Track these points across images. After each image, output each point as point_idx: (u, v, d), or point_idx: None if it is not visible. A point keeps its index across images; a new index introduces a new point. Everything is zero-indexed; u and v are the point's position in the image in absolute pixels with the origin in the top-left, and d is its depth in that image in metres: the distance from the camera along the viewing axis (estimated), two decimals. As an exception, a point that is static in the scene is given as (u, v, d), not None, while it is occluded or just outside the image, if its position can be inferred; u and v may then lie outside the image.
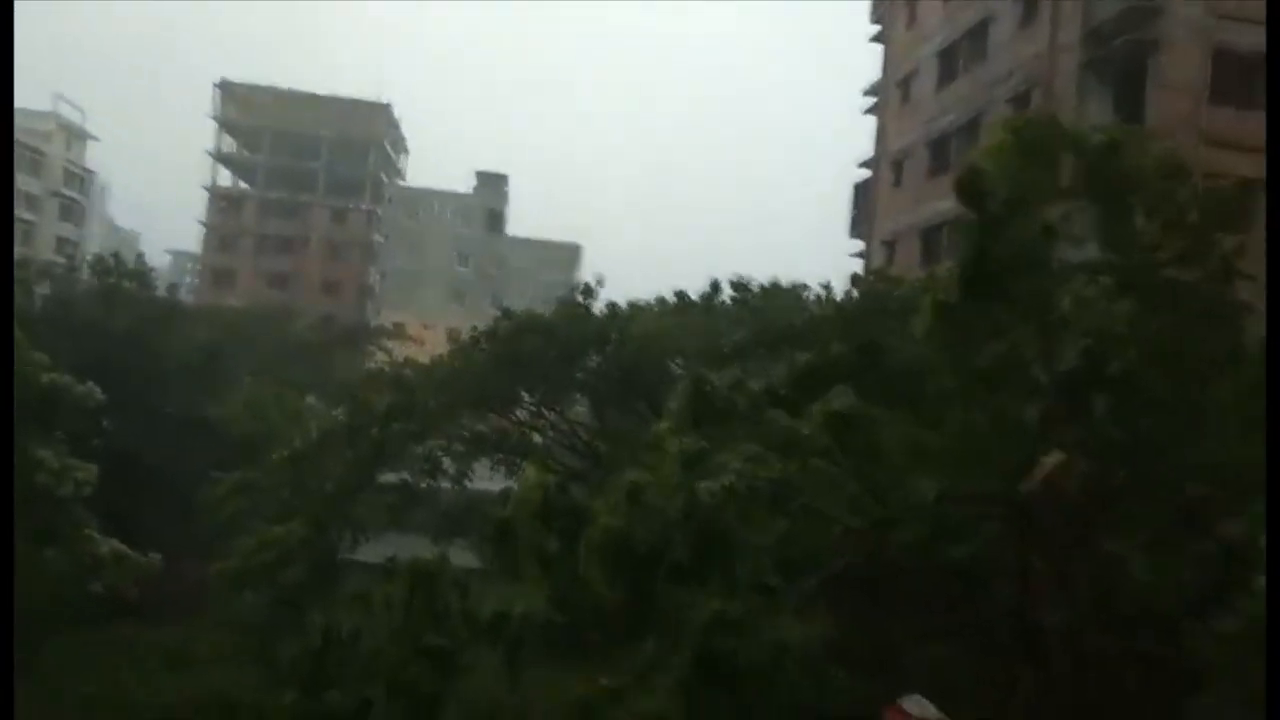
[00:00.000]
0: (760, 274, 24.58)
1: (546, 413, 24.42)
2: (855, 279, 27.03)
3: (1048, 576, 9.27)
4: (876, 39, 40.03)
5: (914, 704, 6.28)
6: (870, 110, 40.12)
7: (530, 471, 10.71)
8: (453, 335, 52.19)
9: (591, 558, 8.22)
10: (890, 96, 38.53)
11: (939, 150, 34.35)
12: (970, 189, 8.29)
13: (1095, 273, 9.70)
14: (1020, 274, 8.24)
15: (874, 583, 9.51)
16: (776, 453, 8.36)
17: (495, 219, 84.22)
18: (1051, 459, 8.32)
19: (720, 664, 7.66)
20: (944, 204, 31.44)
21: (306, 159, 77.67)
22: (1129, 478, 9.50)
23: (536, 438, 23.87)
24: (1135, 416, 9.14)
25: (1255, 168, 22.88)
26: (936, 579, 9.46)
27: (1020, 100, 29.69)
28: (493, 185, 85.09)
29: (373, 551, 18.60)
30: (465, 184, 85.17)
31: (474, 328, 25.83)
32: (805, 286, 24.60)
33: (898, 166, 37.20)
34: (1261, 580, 7.38)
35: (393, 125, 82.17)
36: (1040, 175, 7.76)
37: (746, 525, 7.89)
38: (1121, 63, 27.54)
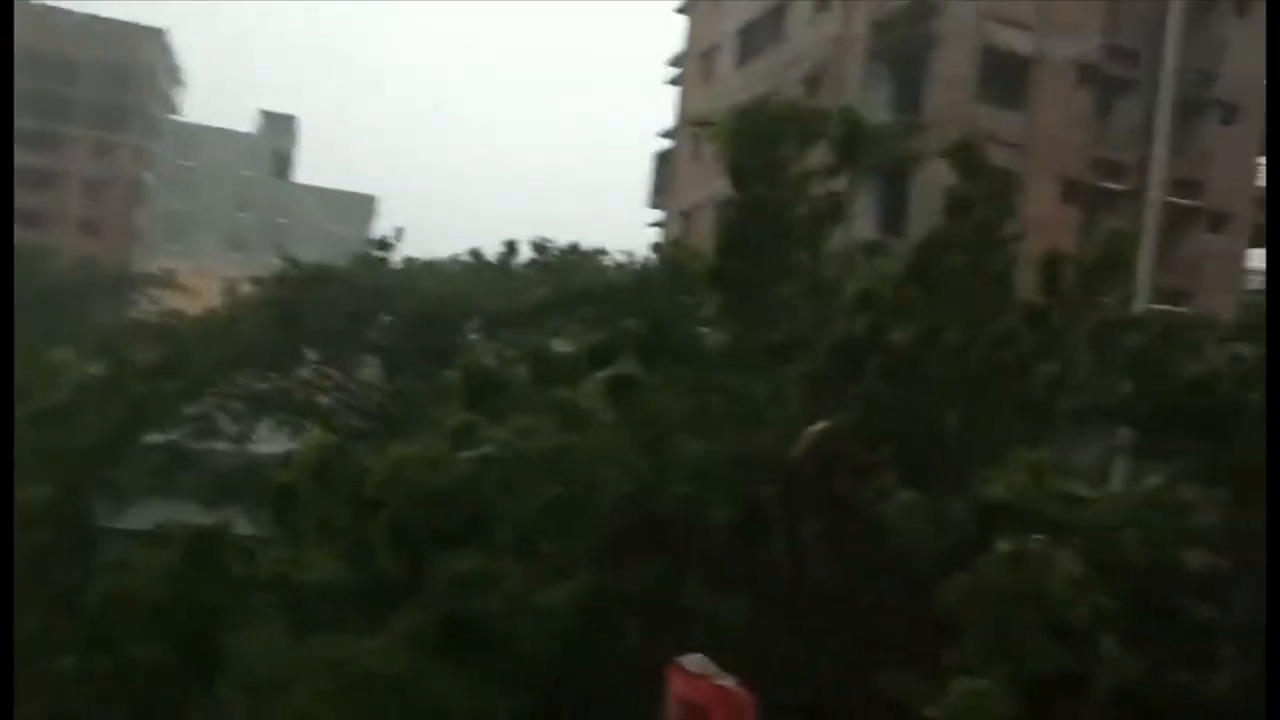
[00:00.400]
0: (561, 238, 24.63)
1: (333, 372, 23.50)
2: (656, 247, 27.56)
3: (816, 535, 9.86)
4: (681, 10, 40.59)
5: (693, 662, 6.48)
6: (674, 80, 40.69)
7: (314, 433, 10.34)
8: (230, 286, 49.16)
9: (371, 526, 8.15)
10: (692, 69, 39.26)
11: (736, 125, 35.41)
12: (731, 165, 8.67)
13: (870, 251, 10.33)
14: (793, 247, 8.68)
15: (653, 543, 9.81)
16: (558, 423, 8.50)
17: (282, 162, 79.63)
18: (817, 426, 8.83)
19: (467, 623, 7.81)
20: (738, 177, 32.52)
21: (64, 85, 70.26)
22: (892, 443, 10.21)
23: (323, 399, 22.94)
24: (900, 386, 9.81)
25: (1015, 162, 25.05)
26: (714, 538, 9.88)
27: (812, 83, 31.04)
28: (280, 126, 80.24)
29: (138, 518, 17.32)
30: (250, 124, 79.99)
31: (257, 277, 24.36)
32: (604, 252, 24.82)
33: (697, 139, 38.03)
34: (1003, 543, 8.08)
35: (167, 53, 75.64)
36: (788, 153, 8.23)
37: (510, 493, 8.05)
38: (903, 54, 29.34)
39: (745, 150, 8.28)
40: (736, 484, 9.24)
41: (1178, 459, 11.24)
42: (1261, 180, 32.60)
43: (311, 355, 23.13)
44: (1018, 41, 28.83)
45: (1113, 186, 29.11)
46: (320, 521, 9.32)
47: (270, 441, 21.82)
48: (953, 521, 10.60)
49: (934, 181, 26.86)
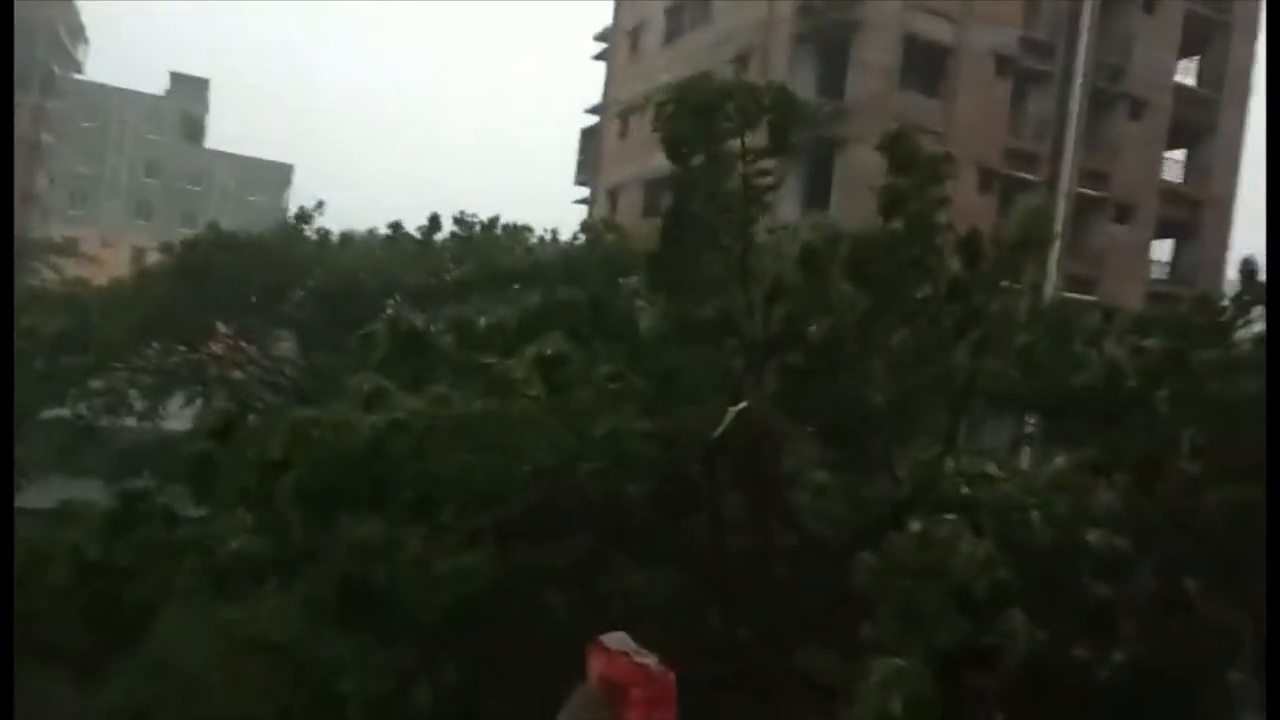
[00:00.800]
0: (485, 213, 24.21)
1: (247, 346, 22.85)
2: (585, 226, 27.39)
3: (738, 513, 10.00)
4: (608, -15, 40.24)
5: (614, 639, 6.49)
6: (600, 56, 40.41)
7: (217, 402, 10.06)
8: (137, 255, 47.35)
9: (281, 493, 7.93)
10: (619, 46, 39.03)
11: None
12: (671, 143, 8.65)
13: (801, 235, 10.42)
14: (725, 229, 8.72)
15: (587, 515, 9.82)
16: (476, 392, 8.39)
17: (193, 127, 76.65)
18: (740, 405, 8.93)
19: (362, 589, 7.71)
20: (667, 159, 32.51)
21: (-43, 38, 66.60)
22: (815, 422, 10.40)
23: (236, 373, 22.29)
24: (823, 369, 9.98)
25: (935, 149, 25.47)
26: (638, 514, 9.94)
27: (739, 64, 31.12)
28: (191, 89, 77.18)
29: (38, 496, 16.66)
30: (160, 86, 76.82)
31: (166, 246, 23.43)
32: (529, 229, 24.54)
33: (624, 117, 37.87)
34: (915, 523, 8.28)
35: (70, 8, 72.15)
36: (724, 134, 8.25)
37: (419, 459, 7.91)
38: (828, 39, 29.64)
39: (687, 124, 8.24)
40: (662, 461, 9.30)
41: (1082, 444, 11.70)
42: (1166, 174, 33.90)
43: (224, 328, 22.45)
44: (939, 31, 29.37)
45: (1026, 176, 29.94)
46: (235, 488, 9.11)
47: (181, 418, 21.16)
48: (870, 500, 10.87)
49: (856, 163, 27.32)
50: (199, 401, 21.30)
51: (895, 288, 9.35)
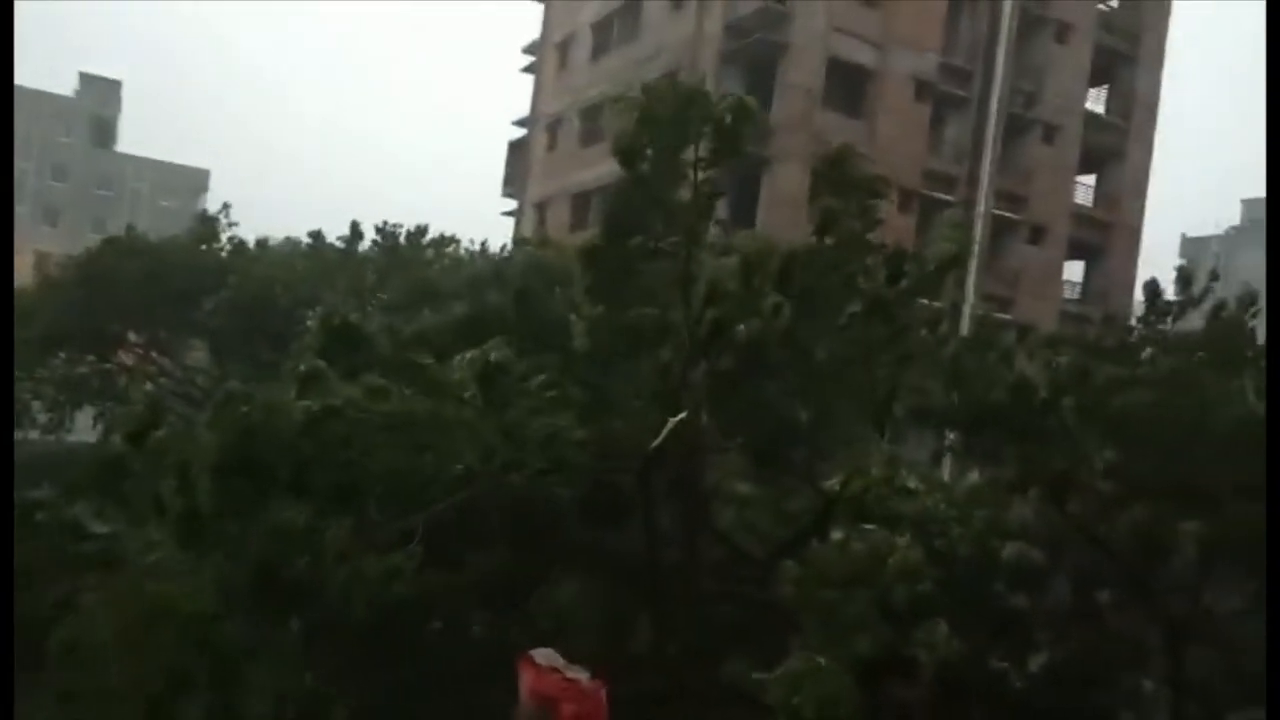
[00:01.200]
0: (408, 223, 23.86)
1: (158, 356, 22.12)
2: (516, 240, 27.23)
3: (669, 523, 10.01)
4: (538, -2, 40.24)
5: (544, 655, 6.41)
6: (528, 69, 40.34)
7: (133, 405, 9.67)
8: (43, 261, 45.48)
9: (201, 479, 7.61)
10: (547, 59, 39.02)
11: (591, 119, 35.39)
12: (624, 146, 8.61)
13: (726, 250, 10.52)
14: (665, 232, 8.72)
15: (516, 528, 9.72)
16: (411, 390, 8.24)
17: (104, 130, 74.16)
18: (680, 416, 8.93)
19: (277, 575, 7.47)
20: (595, 172, 32.52)
21: None
22: (740, 435, 10.47)
23: (146, 384, 21.54)
24: (755, 379, 10.06)
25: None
26: (577, 524, 9.89)
27: (668, 81, 31.39)
28: (102, 91, 74.69)
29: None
30: (69, 87, 74.20)
31: (73, 253, 22.56)
32: (456, 240, 24.29)
33: (552, 130, 37.85)
34: (837, 531, 8.38)
35: (-27, 6, 69.37)
36: (682, 141, 8.26)
37: (348, 448, 7.71)
38: (755, 59, 30.10)
39: (645, 129, 8.19)
40: (596, 470, 9.25)
41: (999, 459, 12.01)
42: (1077, 198, 35.18)
43: (134, 337, 21.71)
44: (861, 54, 30.06)
45: (944, 197, 30.76)
46: (150, 497, 8.74)
47: (90, 432, 20.38)
48: (794, 512, 10.99)
49: (781, 180, 27.73)
50: (108, 414, 20.54)
51: (822, 302, 9.49)
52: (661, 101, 8.23)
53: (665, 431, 8.36)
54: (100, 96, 74.45)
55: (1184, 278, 13.22)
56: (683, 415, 8.48)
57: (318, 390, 7.61)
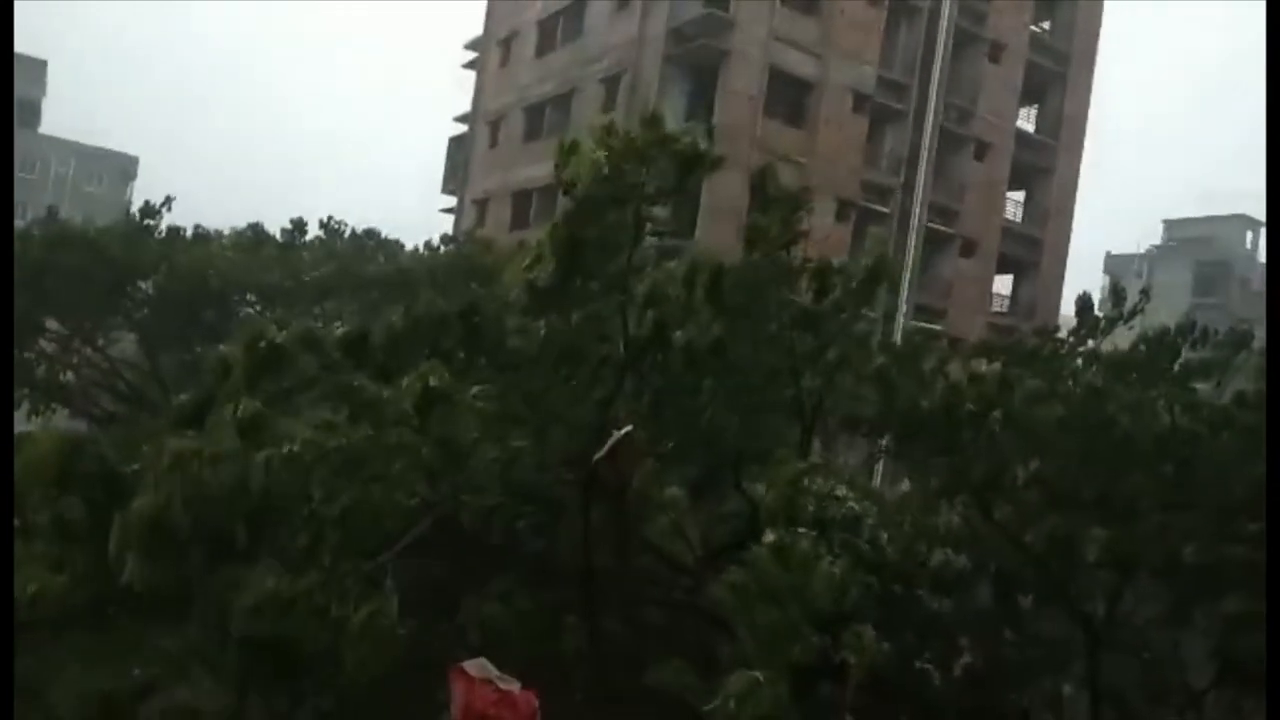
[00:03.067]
0: (351, 219, 23.49)
1: (82, 347, 21.41)
2: (447, 238, 26.92)
3: (605, 533, 10.02)
4: (481, -6, 39.90)
5: (475, 666, 6.45)
6: (470, 65, 40.02)
7: (42, 436, 9.05)
8: (-41, 243, 43.72)
9: (127, 539, 7.20)
10: (490, 56, 38.76)
11: (534, 117, 35.29)
12: (569, 182, 8.53)
13: (667, 260, 10.59)
14: (609, 257, 8.70)
15: (448, 536, 9.61)
16: (351, 417, 8.00)
17: (29, 111, 71.71)
18: (624, 429, 8.95)
19: (271, 647, 7.15)
20: (536, 170, 32.40)
21: None
22: (674, 441, 10.54)
23: (68, 375, 20.84)
24: (688, 389, 10.13)
25: (797, 178, 26.40)
26: (509, 538, 9.82)
27: (611, 82, 31.43)
28: (26, 71, 72.10)
29: None
30: (-11, 65, 71.37)
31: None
32: (400, 243, 23.98)
33: (494, 127, 37.61)
34: (769, 535, 8.47)
35: (-112, -24, 66.48)
36: (633, 174, 8.22)
37: (309, 496, 7.39)
38: (697, 64, 30.29)
39: (598, 179, 8.06)
40: (536, 484, 9.18)
41: (928, 466, 12.26)
42: (1008, 213, 36.10)
43: (57, 327, 20.99)
44: (802, 65, 30.45)
45: (880, 208, 31.32)
46: (58, 524, 8.24)
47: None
48: (723, 518, 11.09)
49: (720, 188, 27.93)
50: (25, 405, 19.82)
51: (749, 315, 9.59)
52: (618, 153, 8.11)
53: (611, 443, 8.35)
54: (24, 76, 71.79)
55: (1117, 294, 13.63)
56: (628, 429, 8.47)
57: (265, 436, 7.25)
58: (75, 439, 8.97)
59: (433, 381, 7.76)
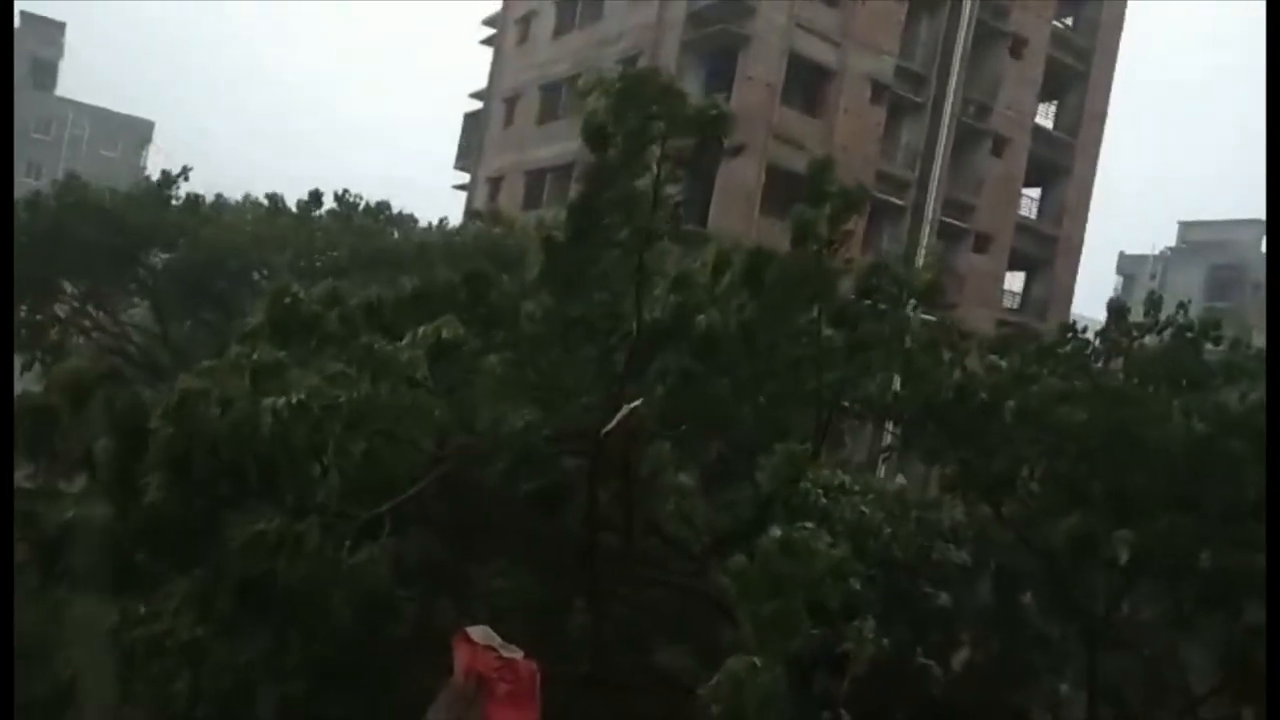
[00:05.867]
0: (366, 192, 23.54)
1: (94, 311, 21.51)
2: (470, 214, 26.89)
3: (611, 510, 10.07)
4: (501, -30, 39.68)
5: (479, 633, 6.49)
6: (488, 41, 39.86)
7: (73, 358, 9.24)
8: (-26, 203, 43.85)
9: (152, 473, 7.36)
10: (508, 33, 38.60)
11: (550, 97, 35.16)
12: (593, 130, 8.52)
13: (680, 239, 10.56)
14: (625, 220, 8.68)
15: (454, 508, 9.66)
16: (367, 374, 8.08)
17: (45, 72, 71.69)
18: (630, 406, 8.97)
19: (260, 588, 7.28)
20: (551, 149, 32.37)
21: None
22: (690, 426, 10.56)
23: (80, 338, 20.95)
24: (705, 372, 10.14)
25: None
26: (515, 507, 9.87)
27: (628, 64, 31.27)
28: (44, 32, 72.07)
29: None
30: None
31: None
32: (414, 218, 23.99)
33: (509, 105, 37.49)
34: (776, 529, 8.51)
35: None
36: (650, 118, 8.19)
37: (319, 446, 7.50)
38: (716, 49, 30.14)
39: (616, 114, 8.05)
40: (549, 457, 9.22)
41: (939, 457, 12.28)
42: (1023, 210, 35.94)
43: (70, 289, 21.09)
44: (822, 52, 30.29)
45: (895, 201, 31.20)
46: (84, 455, 8.43)
47: (17, 381, 19.77)
48: (732, 505, 11.13)
49: (736, 174, 27.82)
50: (36, 367, 19.93)
51: (786, 304, 9.56)
52: (636, 90, 8.13)
53: (618, 418, 8.36)
54: (42, 37, 71.83)
55: (1154, 302, 13.49)
56: (639, 402, 8.48)
57: (278, 384, 7.32)
58: (111, 366, 9.10)
59: (445, 334, 7.79)
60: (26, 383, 19.52)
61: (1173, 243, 69.46)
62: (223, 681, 7.35)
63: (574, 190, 8.54)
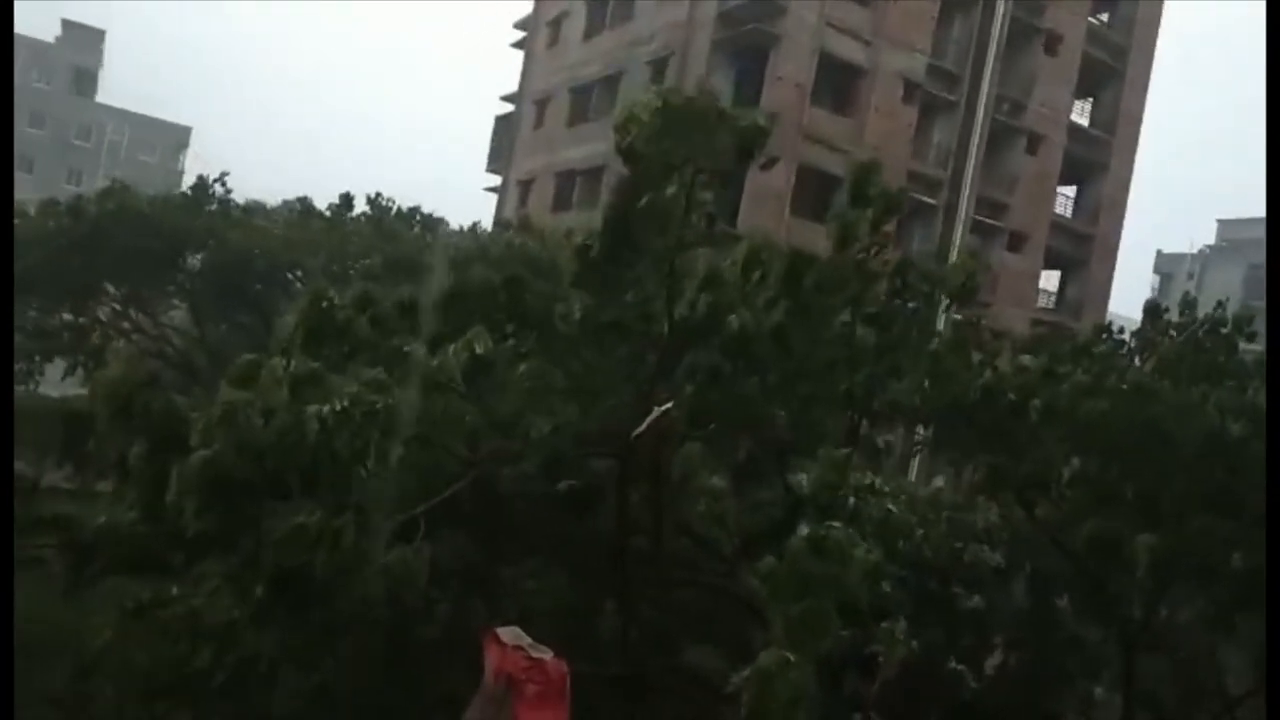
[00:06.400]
0: (396, 196, 23.77)
1: (134, 314, 21.89)
2: (500, 221, 27.05)
3: (641, 511, 10.11)
4: (531, -27, 39.87)
5: (509, 633, 6.54)
6: (519, 44, 40.07)
7: (114, 364, 9.41)
8: (18, 208, 44.76)
9: (185, 486, 7.51)
10: (539, 35, 38.77)
11: (580, 99, 35.27)
12: (628, 146, 8.55)
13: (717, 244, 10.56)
14: (659, 232, 8.70)
15: (485, 511, 9.75)
16: (402, 380, 8.19)
17: (85, 80, 72.94)
18: (662, 408, 8.99)
19: (294, 577, 7.42)
20: (581, 151, 32.48)
21: None
22: (720, 425, 10.56)
23: (120, 341, 21.32)
24: (737, 374, 10.14)
25: (841, 166, 26.17)
26: (545, 509, 9.93)
27: (659, 64, 31.34)
28: (84, 40, 73.34)
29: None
30: (50, 34, 72.72)
31: (49, 201, 21.98)
32: (444, 222, 24.19)
33: (540, 107, 37.65)
34: (805, 528, 8.49)
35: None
36: (691, 147, 8.19)
37: (359, 452, 7.62)
38: (746, 48, 30.09)
39: (655, 139, 8.07)
40: (575, 458, 9.29)
41: (970, 457, 12.19)
42: (1058, 208, 35.54)
43: (112, 291, 21.48)
44: (853, 51, 30.13)
45: (928, 200, 30.96)
46: (118, 459, 8.62)
47: (59, 385, 20.17)
48: (763, 506, 11.11)
49: (766, 175, 27.76)
50: (79, 370, 20.34)
51: (821, 306, 9.57)
52: (674, 122, 8.10)
53: (650, 420, 8.39)
54: (82, 45, 73.13)
55: (1189, 303, 13.40)
56: (669, 404, 8.51)
57: (319, 392, 7.46)
58: (151, 372, 9.29)
59: (478, 349, 7.90)
60: (68, 387, 19.95)
61: (1212, 241, 68.34)
62: (250, 667, 7.49)
63: (605, 201, 8.54)
